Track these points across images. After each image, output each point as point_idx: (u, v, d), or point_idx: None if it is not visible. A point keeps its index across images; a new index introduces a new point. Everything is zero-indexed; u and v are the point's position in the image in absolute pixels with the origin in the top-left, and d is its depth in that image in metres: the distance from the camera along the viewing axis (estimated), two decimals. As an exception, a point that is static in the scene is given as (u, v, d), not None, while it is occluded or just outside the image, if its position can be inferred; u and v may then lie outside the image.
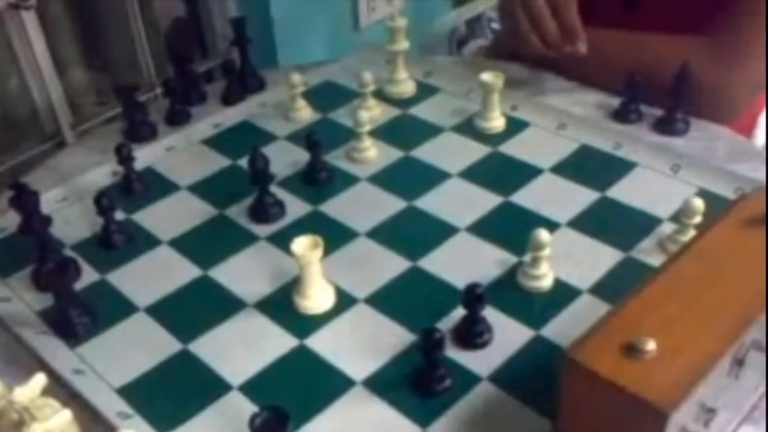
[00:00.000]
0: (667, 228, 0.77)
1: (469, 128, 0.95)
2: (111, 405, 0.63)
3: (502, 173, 0.88)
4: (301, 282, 0.71)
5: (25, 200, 0.76)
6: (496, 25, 1.99)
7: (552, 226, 0.78)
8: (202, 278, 0.76)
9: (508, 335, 0.68)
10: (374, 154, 0.90)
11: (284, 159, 0.90)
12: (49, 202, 0.83)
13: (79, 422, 0.56)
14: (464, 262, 0.75)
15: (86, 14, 1.16)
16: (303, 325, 0.70)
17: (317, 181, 0.87)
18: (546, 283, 0.72)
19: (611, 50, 0.98)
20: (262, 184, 0.82)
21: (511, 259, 0.75)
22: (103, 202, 0.78)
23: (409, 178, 0.87)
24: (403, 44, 1.00)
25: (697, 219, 0.73)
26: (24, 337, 0.70)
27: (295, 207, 0.84)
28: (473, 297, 0.65)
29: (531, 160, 0.89)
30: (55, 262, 0.71)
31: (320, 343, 0.69)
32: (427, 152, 0.91)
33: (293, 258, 0.69)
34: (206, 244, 0.80)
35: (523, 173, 0.87)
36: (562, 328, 0.68)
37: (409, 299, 0.72)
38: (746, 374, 0.54)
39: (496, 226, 0.80)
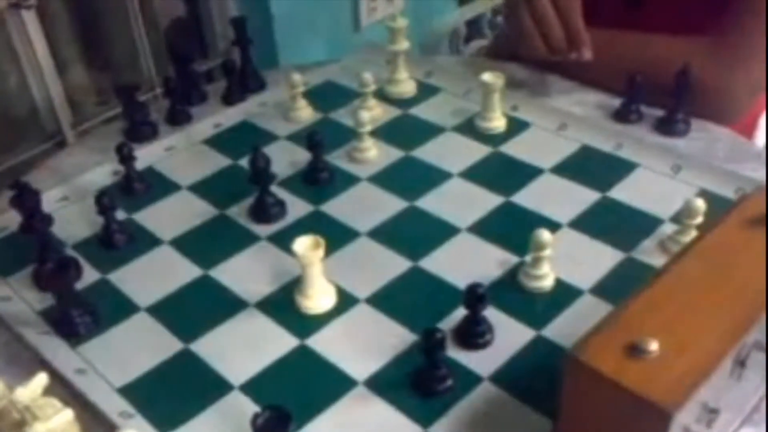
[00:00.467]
0: (668, 228, 0.78)
1: (469, 128, 0.95)
2: (112, 405, 0.63)
3: (503, 173, 0.88)
4: (303, 282, 0.71)
5: (26, 199, 0.76)
6: (496, 25, 1.99)
7: (553, 226, 0.78)
8: (203, 278, 0.76)
9: (509, 335, 0.68)
10: (375, 154, 0.90)
11: (285, 159, 0.90)
12: (49, 201, 0.83)
13: (80, 422, 0.56)
14: (465, 262, 0.76)
15: (87, 14, 1.16)
16: (304, 324, 0.70)
17: (318, 181, 0.87)
18: (547, 283, 0.72)
19: (613, 50, 0.98)
20: (263, 184, 0.82)
21: (513, 259, 0.75)
22: (104, 201, 0.78)
23: (410, 178, 0.87)
24: (404, 44, 1.00)
25: (698, 219, 0.73)
26: (25, 337, 0.70)
27: (296, 207, 0.84)
28: (475, 297, 0.65)
29: (532, 160, 0.89)
30: (56, 262, 0.71)
31: (321, 343, 0.69)
32: (427, 152, 0.91)
33: (294, 258, 0.69)
34: (207, 243, 0.80)
35: (524, 173, 0.87)
36: (564, 329, 0.68)
37: (410, 299, 0.72)
38: (748, 375, 0.54)
39: (497, 226, 0.80)
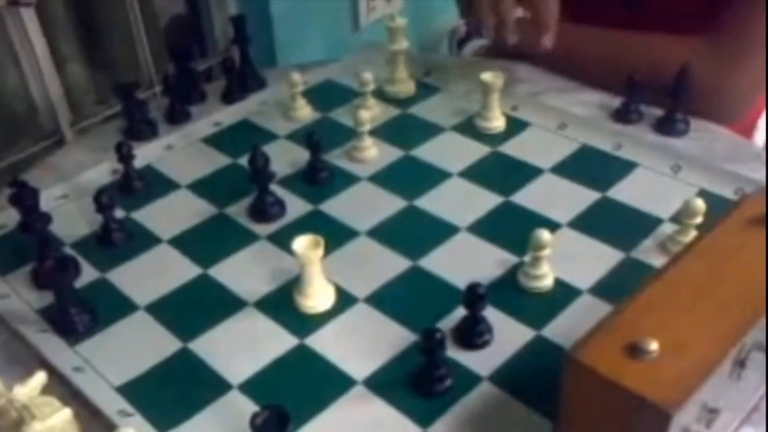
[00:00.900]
0: (667, 228, 0.77)
1: (469, 128, 0.94)
2: (111, 403, 0.63)
3: (502, 173, 0.88)
4: (302, 281, 0.71)
5: (24, 198, 0.76)
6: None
7: (552, 226, 0.78)
8: (202, 277, 0.76)
9: (508, 335, 0.68)
10: (374, 153, 0.90)
11: (284, 158, 0.90)
12: (48, 199, 0.83)
13: (79, 420, 0.56)
14: (465, 261, 0.75)
15: (86, 12, 1.16)
16: (303, 324, 0.70)
17: (317, 180, 0.87)
18: (546, 283, 0.72)
19: (612, 50, 0.98)
20: (262, 183, 0.81)
21: (512, 259, 0.75)
22: (103, 200, 0.78)
23: (409, 177, 0.87)
24: (403, 44, 0.99)
25: (698, 219, 0.73)
26: (24, 335, 0.69)
27: (295, 206, 0.84)
28: (474, 297, 0.65)
29: (531, 160, 0.89)
30: (55, 260, 0.71)
31: (321, 342, 0.68)
32: (427, 152, 0.91)
33: (293, 257, 0.69)
34: (206, 242, 0.80)
35: (523, 173, 0.87)
36: (563, 329, 0.68)
37: (409, 299, 0.72)
38: (747, 375, 0.54)
39: (497, 226, 0.80)
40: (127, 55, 1.19)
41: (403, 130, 0.96)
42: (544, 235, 0.70)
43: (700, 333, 0.51)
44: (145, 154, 0.91)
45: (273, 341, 0.69)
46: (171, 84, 0.99)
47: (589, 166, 0.87)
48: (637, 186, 0.84)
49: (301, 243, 0.69)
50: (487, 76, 0.91)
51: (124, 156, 0.85)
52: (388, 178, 0.87)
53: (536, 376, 0.64)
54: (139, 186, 0.87)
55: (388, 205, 0.83)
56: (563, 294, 0.72)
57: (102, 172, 0.89)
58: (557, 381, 0.52)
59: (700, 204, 0.73)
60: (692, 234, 0.74)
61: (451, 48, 1.91)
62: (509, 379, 0.64)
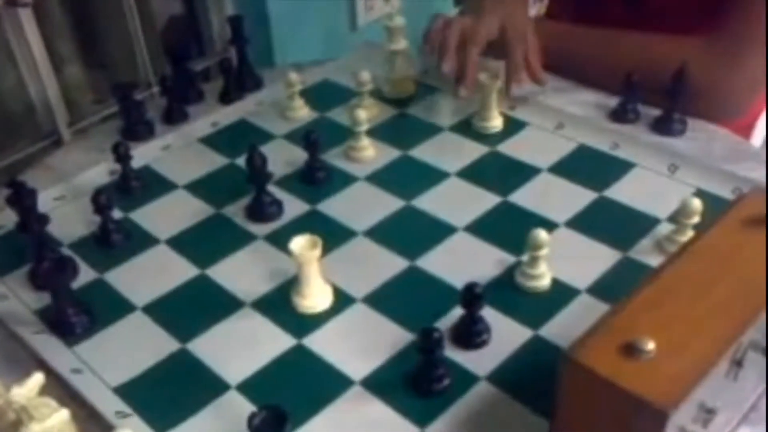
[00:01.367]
0: (664, 228, 0.78)
1: (467, 128, 0.95)
2: (109, 404, 0.63)
3: (500, 173, 0.88)
4: (299, 281, 0.71)
5: (22, 198, 0.76)
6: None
7: (550, 225, 0.78)
8: (200, 277, 0.76)
9: (506, 335, 0.68)
10: (372, 153, 0.90)
11: (282, 158, 0.90)
12: (46, 200, 0.83)
13: (76, 421, 0.56)
14: (462, 261, 0.75)
15: (83, 12, 1.16)
16: (301, 324, 0.70)
17: (315, 180, 0.87)
18: (544, 282, 0.72)
19: (609, 50, 0.98)
20: (259, 183, 0.81)
21: (509, 258, 0.75)
22: (101, 200, 0.78)
23: (407, 177, 0.87)
24: (401, 43, 0.99)
25: (695, 219, 0.74)
26: (21, 336, 0.69)
27: (293, 206, 0.84)
28: (472, 296, 0.65)
29: (529, 159, 0.89)
30: (53, 261, 0.71)
31: (318, 342, 0.68)
32: (425, 152, 0.91)
33: (291, 257, 0.69)
34: (204, 242, 0.80)
35: (521, 173, 0.87)
36: (560, 328, 0.68)
37: (407, 299, 0.72)
38: (744, 375, 0.54)
39: (494, 225, 0.80)
40: (125, 56, 1.19)
41: (401, 130, 0.96)
42: (542, 234, 0.70)
43: (697, 333, 0.51)
44: (142, 154, 0.91)
45: (271, 341, 0.69)
46: (168, 84, 0.99)
47: (587, 166, 0.87)
48: (635, 186, 0.84)
49: (299, 243, 0.69)
50: (485, 76, 0.91)
51: (122, 156, 0.85)
52: (385, 178, 0.87)
53: (533, 376, 0.64)
54: (137, 186, 0.87)
55: (385, 205, 0.83)
56: (561, 294, 0.72)
57: (100, 172, 0.89)
58: (554, 380, 0.52)
59: (697, 204, 0.73)
60: (689, 234, 0.74)
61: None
62: (507, 379, 0.64)
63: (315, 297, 0.71)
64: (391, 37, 0.99)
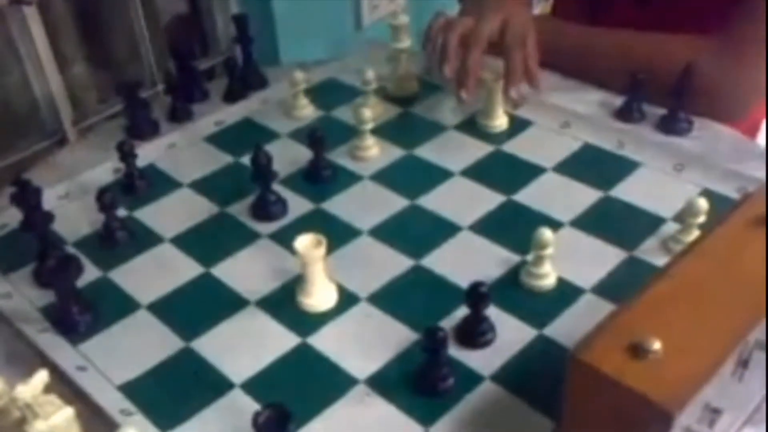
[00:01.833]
0: (670, 227, 0.77)
1: (471, 126, 0.94)
2: (113, 402, 0.63)
3: (504, 172, 0.87)
4: (304, 280, 0.71)
5: (27, 196, 0.76)
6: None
7: (555, 225, 0.77)
8: (204, 276, 0.76)
9: (511, 334, 0.68)
10: (377, 152, 0.90)
11: (286, 157, 0.90)
12: (50, 198, 0.83)
13: (81, 419, 0.55)
14: (467, 260, 0.75)
15: (88, 10, 1.16)
16: (305, 323, 0.70)
17: (319, 179, 0.87)
18: (549, 282, 0.72)
19: (619, 49, 0.97)
20: (264, 182, 0.81)
21: (514, 258, 0.75)
22: (105, 199, 0.78)
23: (411, 176, 0.87)
24: (406, 42, 0.99)
25: (701, 218, 0.73)
26: (26, 334, 0.70)
27: (298, 205, 0.84)
28: (477, 296, 0.65)
29: (534, 158, 0.88)
30: (57, 259, 0.71)
31: (323, 341, 0.68)
32: (429, 150, 0.91)
33: (295, 256, 0.69)
34: (208, 241, 0.80)
35: (526, 172, 0.87)
36: (565, 328, 0.68)
37: (411, 298, 0.72)
38: (750, 375, 0.54)
39: (499, 224, 0.80)
40: (130, 54, 1.19)
41: (406, 129, 0.96)
42: (547, 234, 0.70)
43: (703, 333, 0.50)
44: (147, 152, 0.91)
45: (275, 340, 0.69)
46: (173, 83, 0.99)
47: (592, 165, 0.87)
48: (640, 185, 0.84)
49: (303, 242, 0.69)
50: (490, 74, 0.91)
51: (127, 155, 0.85)
52: (390, 177, 0.87)
53: (538, 376, 0.64)
54: (142, 185, 0.87)
55: (390, 203, 0.83)
56: (566, 293, 0.71)
57: (104, 171, 0.89)
58: (560, 380, 0.52)
59: (702, 203, 0.73)
60: (695, 233, 0.74)
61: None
62: (511, 379, 0.64)
63: (319, 296, 0.71)
64: (396, 35, 0.99)
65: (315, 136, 0.85)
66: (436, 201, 0.83)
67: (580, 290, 0.72)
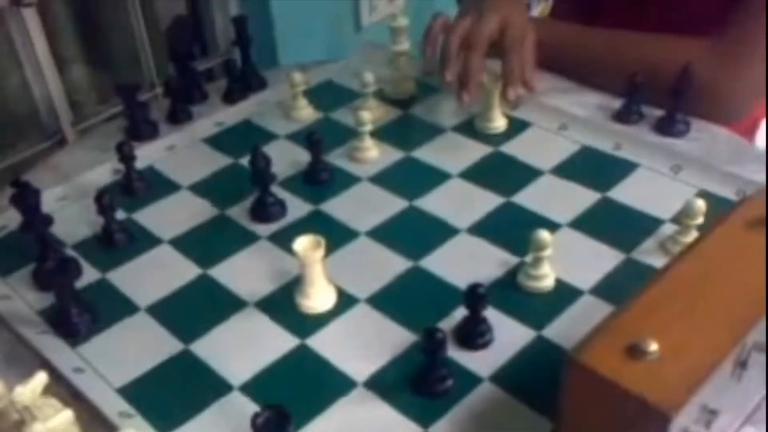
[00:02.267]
0: (668, 229, 0.77)
1: (470, 128, 0.94)
2: (112, 404, 0.63)
3: (503, 174, 0.87)
4: (303, 282, 0.71)
5: (26, 198, 0.76)
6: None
7: (553, 226, 0.78)
8: (203, 277, 0.76)
9: (509, 336, 0.68)
10: (375, 154, 0.90)
11: (285, 158, 0.90)
12: (49, 200, 0.83)
13: (79, 422, 0.56)
14: (465, 262, 0.75)
15: (87, 12, 1.16)
16: (304, 324, 0.70)
17: (318, 180, 0.87)
18: (547, 283, 0.72)
19: (615, 50, 0.97)
20: (263, 184, 0.81)
21: (512, 259, 0.75)
22: (104, 200, 0.78)
23: (410, 178, 0.87)
24: (405, 44, 0.99)
25: (699, 220, 0.73)
26: (25, 336, 0.70)
27: (296, 206, 0.84)
28: (475, 297, 0.65)
29: (532, 160, 0.89)
30: (56, 261, 0.71)
31: (321, 343, 0.68)
32: (428, 152, 0.91)
33: (294, 257, 0.69)
34: (207, 243, 0.80)
35: (524, 174, 0.87)
36: (564, 329, 0.68)
37: (410, 299, 0.72)
38: (748, 376, 0.54)
39: (497, 226, 0.80)
40: (129, 56, 1.19)
41: (404, 131, 0.96)
42: (545, 235, 0.70)
43: (701, 334, 0.51)
44: (146, 154, 0.91)
45: (274, 342, 0.69)
46: (172, 84, 0.99)
47: (590, 167, 0.87)
48: (638, 186, 0.84)
49: (302, 243, 0.69)
50: (487, 77, 0.91)
51: (126, 156, 0.85)
52: (389, 179, 0.87)
53: (537, 377, 0.64)
54: (141, 187, 0.87)
55: (388, 205, 0.83)
56: (564, 294, 0.72)
57: (103, 172, 0.89)
58: (558, 382, 0.52)
59: (700, 204, 0.73)
60: (693, 235, 0.74)
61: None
62: (510, 380, 0.64)
63: (318, 297, 0.71)
64: (395, 37, 0.99)
65: (312, 139, 0.86)
66: (435, 202, 0.83)
67: (578, 291, 0.72)
